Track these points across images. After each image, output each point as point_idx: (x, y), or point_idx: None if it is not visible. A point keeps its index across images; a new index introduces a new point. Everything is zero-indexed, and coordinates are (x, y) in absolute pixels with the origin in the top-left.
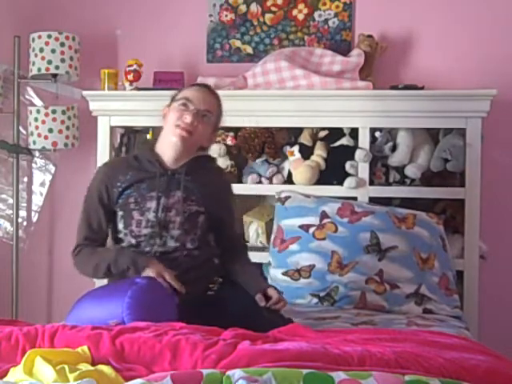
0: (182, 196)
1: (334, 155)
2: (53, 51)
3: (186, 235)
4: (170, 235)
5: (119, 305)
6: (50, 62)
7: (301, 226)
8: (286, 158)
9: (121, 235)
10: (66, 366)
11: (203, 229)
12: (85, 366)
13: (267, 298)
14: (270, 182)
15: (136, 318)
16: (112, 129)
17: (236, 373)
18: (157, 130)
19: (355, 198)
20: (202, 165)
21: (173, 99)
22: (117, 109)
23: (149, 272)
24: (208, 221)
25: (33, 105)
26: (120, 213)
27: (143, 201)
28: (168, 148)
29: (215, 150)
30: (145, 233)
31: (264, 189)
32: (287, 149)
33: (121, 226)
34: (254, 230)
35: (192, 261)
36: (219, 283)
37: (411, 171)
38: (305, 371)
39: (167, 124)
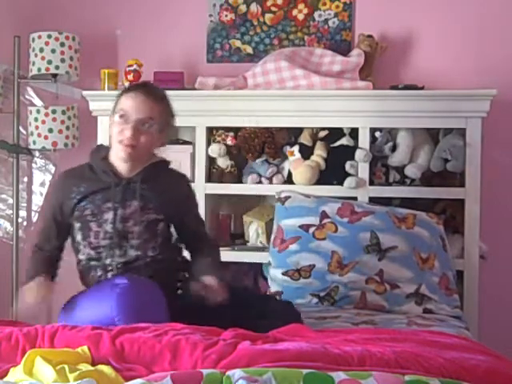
0: (139, 205)
1: (334, 155)
2: (53, 51)
3: (147, 244)
4: (130, 245)
5: (108, 309)
6: (50, 62)
7: (301, 226)
8: (285, 157)
9: (80, 247)
10: (66, 366)
11: (163, 235)
12: (85, 366)
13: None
14: (270, 182)
15: (130, 321)
16: None
17: (236, 373)
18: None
19: (355, 198)
20: (159, 171)
21: (115, 106)
22: None
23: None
24: (168, 227)
25: (33, 105)
26: (77, 225)
27: (100, 212)
28: (119, 161)
29: (215, 150)
30: (103, 244)
31: (264, 189)
32: (287, 149)
33: (79, 237)
34: (253, 230)
35: (156, 265)
36: (186, 279)
37: (411, 171)
38: (305, 371)
39: (112, 137)
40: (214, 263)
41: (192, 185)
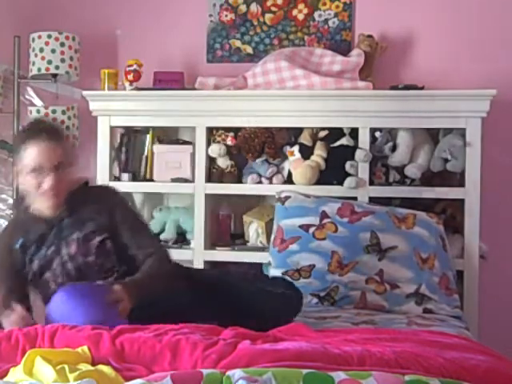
0: (79, 238)
1: (334, 155)
2: (53, 51)
3: (105, 265)
4: (92, 272)
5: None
6: (50, 62)
7: (301, 226)
8: (286, 157)
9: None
10: (66, 366)
11: (116, 250)
12: (85, 366)
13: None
14: (270, 182)
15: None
16: (112, 129)
17: (236, 373)
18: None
19: (355, 198)
20: (81, 196)
21: (16, 158)
22: (117, 109)
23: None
24: (115, 242)
25: (33, 105)
26: (35, 280)
27: (48, 261)
28: (44, 207)
29: (215, 150)
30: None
31: (264, 189)
32: (287, 149)
33: (45, 291)
34: (253, 230)
35: (123, 277)
36: None
37: (411, 171)
38: (305, 371)
39: (29, 189)
40: (141, 277)
41: (121, 194)
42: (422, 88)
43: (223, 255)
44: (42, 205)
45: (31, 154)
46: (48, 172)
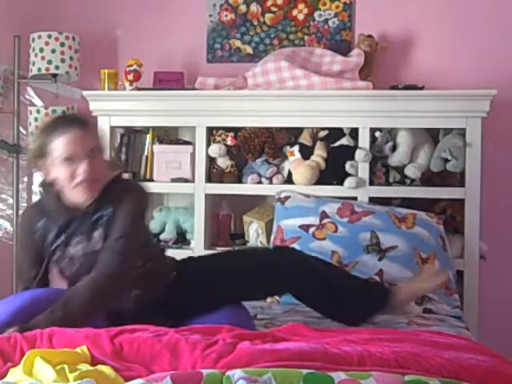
0: (102, 235)
1: (334, 155)
2: (53, 51)
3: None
4: None
5: None
6: (50, 62)
7: (301, 226)
8: (286, 158)
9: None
10: (66, 366)
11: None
12: (84, 366)
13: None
14: (270, 182)
15: None
16: (112, 129)
17: (236, 373)
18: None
19: (355, 198)
20: (113, 191)
21: (41, 150)
22: (117, 109)
23: None
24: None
25: (33, 105)
26: (52, 266)
27: (66, 250)
28: (78, 197)
29: (215, 150)
30: (78, 274)
31: (264, 189)
32: (287, 149)
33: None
34: (254, 230)
35: (147, 274)
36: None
37: (411, 171)
38: (305, 371)
39: (63, 181)
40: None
41: (141, 193)
42: (422, 88)
43: None
44: (74, 196)
45: (64, 143)
46: (81, 159)
